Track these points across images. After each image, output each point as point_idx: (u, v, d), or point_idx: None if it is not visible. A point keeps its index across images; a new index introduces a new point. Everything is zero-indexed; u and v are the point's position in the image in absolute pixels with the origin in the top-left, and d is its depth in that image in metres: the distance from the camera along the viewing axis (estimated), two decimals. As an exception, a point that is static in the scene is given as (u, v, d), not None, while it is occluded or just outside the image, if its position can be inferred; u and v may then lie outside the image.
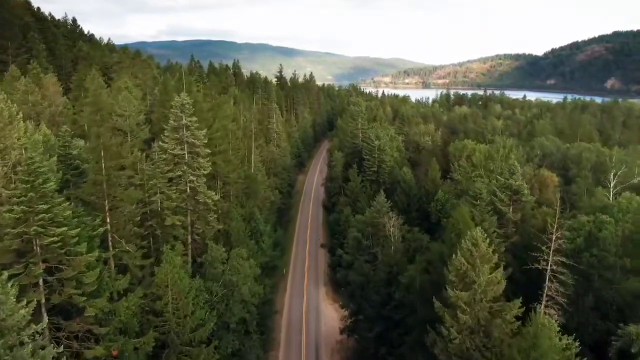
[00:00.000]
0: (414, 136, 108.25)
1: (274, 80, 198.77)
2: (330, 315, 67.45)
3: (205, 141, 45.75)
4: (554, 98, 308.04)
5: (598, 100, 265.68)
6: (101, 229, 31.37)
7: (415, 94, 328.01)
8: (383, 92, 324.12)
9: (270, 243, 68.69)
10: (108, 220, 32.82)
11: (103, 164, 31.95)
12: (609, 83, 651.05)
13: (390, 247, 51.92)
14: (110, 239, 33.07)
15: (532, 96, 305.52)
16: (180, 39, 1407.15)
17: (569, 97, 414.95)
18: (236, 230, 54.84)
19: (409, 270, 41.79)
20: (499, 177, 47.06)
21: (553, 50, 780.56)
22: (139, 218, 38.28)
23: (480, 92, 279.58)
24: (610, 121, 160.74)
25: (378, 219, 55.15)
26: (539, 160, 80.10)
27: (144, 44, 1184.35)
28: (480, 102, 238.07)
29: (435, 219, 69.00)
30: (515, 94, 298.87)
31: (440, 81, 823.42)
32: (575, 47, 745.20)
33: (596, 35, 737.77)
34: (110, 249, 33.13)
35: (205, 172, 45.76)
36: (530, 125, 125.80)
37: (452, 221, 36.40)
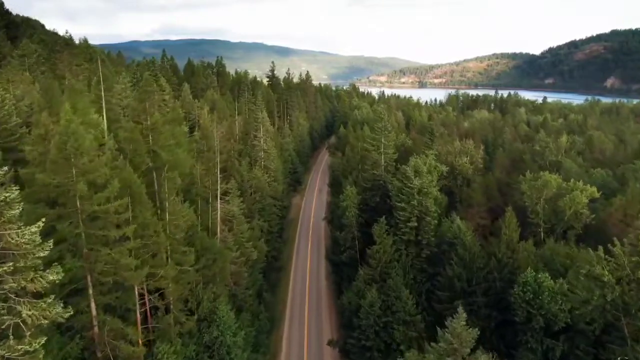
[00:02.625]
0: (447, 156, 79.74)
1: (265, 80, 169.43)
2: None
3: (44, 253, 16.68)
4: (556, 98, 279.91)
5: (596, 99, 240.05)
6: None
7: (412, 94, 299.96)
8: (383, 92, 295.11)
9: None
10: None
11: None
12: (609, 82, 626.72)
13: None
14: None
15: (531, 95, 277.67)
16: (174, 38, 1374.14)
17: (570, 96, 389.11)
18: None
19: None
20: None
21: (551, 49, 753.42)
22: None
23: (490, 92, 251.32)
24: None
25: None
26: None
27: (137, 43, 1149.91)
28: (493, 105, 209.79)
29: (524, 317, 40.59)
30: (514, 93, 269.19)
31: (436, 80, 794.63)
32: (574, 45, 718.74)
33: (594, 34, 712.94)
34: None
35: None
36: (588, 138, 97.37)
37: None
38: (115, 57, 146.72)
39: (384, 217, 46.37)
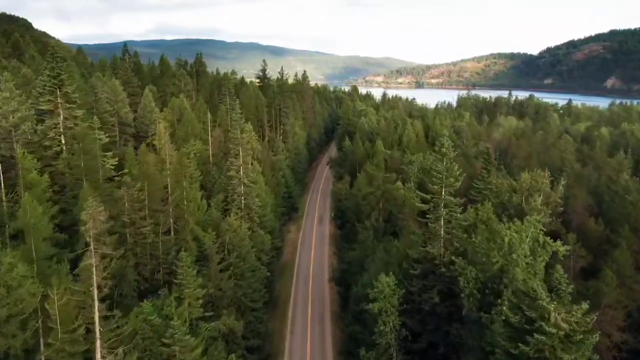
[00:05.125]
0: (508, 193, 54.16)
1: (256, 81, 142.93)
2: None
3: None
4: (558, 99, 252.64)
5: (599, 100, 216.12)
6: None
7: (410, 94, 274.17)
8: (385, 93, 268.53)
9: None
10: None
11: None
12: (609, 82, 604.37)
13: None
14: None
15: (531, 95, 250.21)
16: (169, 37, 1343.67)
17: (570, 97, 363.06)
18: None
19: None
20: None
21: (549, 49, 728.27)
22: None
23: (498, 93, 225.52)
24: None
25: None
26: None
27: (131, 42, 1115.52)
28: (512, 109, 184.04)
29: None
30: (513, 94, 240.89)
31: (433, 81, 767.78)
32: (572, 45, 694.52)
33: (592, 34, 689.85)
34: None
35: None
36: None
37: None
38: (75, 53, 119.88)
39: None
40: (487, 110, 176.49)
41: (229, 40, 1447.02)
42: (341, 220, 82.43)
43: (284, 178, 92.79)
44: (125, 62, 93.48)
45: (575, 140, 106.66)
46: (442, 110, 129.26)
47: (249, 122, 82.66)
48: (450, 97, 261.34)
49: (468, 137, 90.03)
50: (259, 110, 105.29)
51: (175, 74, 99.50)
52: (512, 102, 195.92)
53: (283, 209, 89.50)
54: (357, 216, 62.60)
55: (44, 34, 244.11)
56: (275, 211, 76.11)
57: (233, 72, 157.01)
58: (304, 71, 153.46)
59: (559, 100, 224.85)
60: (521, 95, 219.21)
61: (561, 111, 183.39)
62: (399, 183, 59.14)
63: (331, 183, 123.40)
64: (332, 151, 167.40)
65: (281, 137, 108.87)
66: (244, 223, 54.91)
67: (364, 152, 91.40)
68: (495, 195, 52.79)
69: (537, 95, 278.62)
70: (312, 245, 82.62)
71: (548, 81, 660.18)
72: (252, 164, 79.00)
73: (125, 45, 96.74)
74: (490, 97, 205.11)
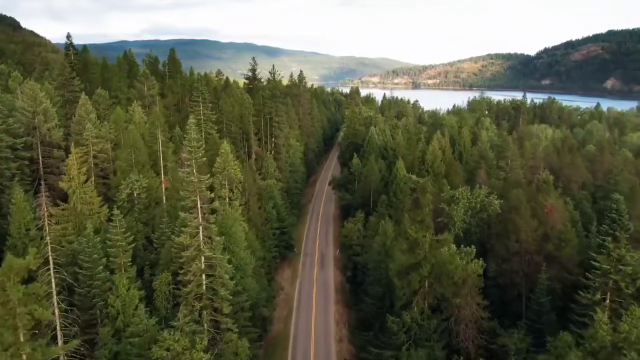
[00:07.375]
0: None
1: (244, 81, 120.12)
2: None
3: None
4: (559, 100, 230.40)
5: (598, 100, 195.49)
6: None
7: (407, 95, 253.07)
8: (392, 94, 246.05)
9: None
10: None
11: None
12: (609, 83, 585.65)
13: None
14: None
15: (531, 97, 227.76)
16: (163, 38, 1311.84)
17: (570, 97, 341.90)
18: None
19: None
20: None
21: (546, 50, 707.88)
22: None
23: (510, 94, 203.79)
24: None
25: None
26: None
27: (125, 43, 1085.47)
28: (532, 113, 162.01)
29: None
30: (512, 94, 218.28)
31: (430, 81, 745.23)
32: (570, 46, 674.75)
33: (590, 35, 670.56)
34: None
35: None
36: None
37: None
38: (20, 51, 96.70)
39: None
40: (504, 115, 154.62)
41: (223, 40, 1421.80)
42: (352, 273, 60.02)
43: (275, 209, 70.25)
44: (67, 59, 70.02)
45: (637, 155, 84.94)
46: (467, 117, 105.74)
47: (226, 140, 60.04)
48: (449, 97, 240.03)
49: (515, 157, 67.69)
50: (244, 119, 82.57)
51: (137, 75, 76.48)
52: (529, 105, 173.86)
53: (275, 251, 67.26)
54: (386, 293, 39.87)
55: (32, 33, 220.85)
56: (259, 270, 53.61)
57: (219, 72, 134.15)
58: (300, 71, 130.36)
59: (560, 101, 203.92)
60: (519, 95, 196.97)
61: (584, 115, 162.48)
62: (452, 246, 36.68)
63: (333, 205, 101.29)
64: (332, 162, 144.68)
65: (272, 153, 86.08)
66: (205, 323, 32.32)
67: (380, 175, 68.96)
68: (630, 280, 30.34)
69: (537, 96, 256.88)
70: (313, 308, 59.84)
71: (546, 82, 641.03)
72: (231, 193, 56.58)
73: (68, 37, 72.50)
74: (504, 99, 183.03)
